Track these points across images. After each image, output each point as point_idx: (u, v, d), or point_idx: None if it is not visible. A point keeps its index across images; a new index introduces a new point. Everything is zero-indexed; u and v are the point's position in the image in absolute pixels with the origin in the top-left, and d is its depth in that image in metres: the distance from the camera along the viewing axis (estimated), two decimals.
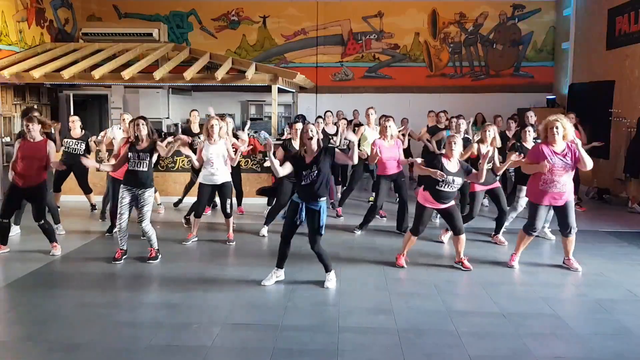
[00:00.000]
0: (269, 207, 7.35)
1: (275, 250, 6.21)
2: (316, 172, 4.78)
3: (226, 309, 4.50)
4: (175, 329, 4.09)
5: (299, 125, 6.84)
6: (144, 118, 5.79)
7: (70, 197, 8.66)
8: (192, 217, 6.72)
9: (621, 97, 9.68)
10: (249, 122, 8.52)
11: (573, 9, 11.62)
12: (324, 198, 4.89)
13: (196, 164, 6.40)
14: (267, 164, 6.11)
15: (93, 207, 8.34)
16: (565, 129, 5.30)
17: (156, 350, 3.75)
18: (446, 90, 12.71)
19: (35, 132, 5.87)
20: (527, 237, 5.66)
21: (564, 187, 5.35)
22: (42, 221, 5.96)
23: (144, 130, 5.67)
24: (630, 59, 9.40)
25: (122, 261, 5.74)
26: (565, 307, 4.67)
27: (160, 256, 5.85)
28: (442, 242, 6.56)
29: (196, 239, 6.59)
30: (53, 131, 7.46)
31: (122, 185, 5.72)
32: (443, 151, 5.92)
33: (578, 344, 3.92)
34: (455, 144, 5.41)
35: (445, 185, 5.35)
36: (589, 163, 5.28)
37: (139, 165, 5.63)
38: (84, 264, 5.67)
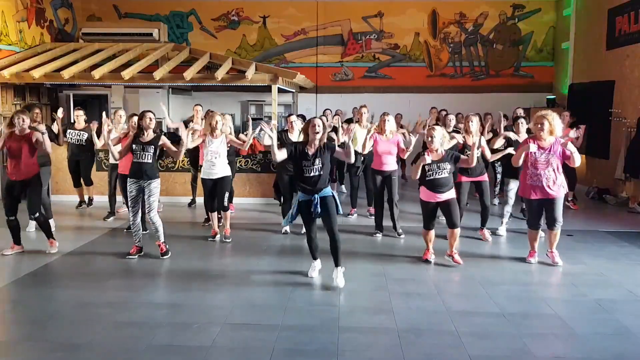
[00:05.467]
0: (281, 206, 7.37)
1: (276, 249, 6.24)
2: (321, 165, 4.89)
3: (226, 309, 4.50)
4: (175, 329, 4.09)
5: (293, 117, 6.97)
6: (150, 112, 5.91)
7: (70, 196, 8.67)
8: (211, 215, 6.79)
9: (621, 97, 9.68)
10: (258, 128, 8.45)
11: (573, 9, 11.62)
12: (329, 186, 5.05)
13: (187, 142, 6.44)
14: (267, 141, 6.27)
15: (90, 201, 8.40)
16: (552, 125, 5.40)
17: (156, 350, 3.75)
18: (446, 90, 12.70)
19: (26, 125, 5.86)
20: (532, 232, 5.76)
21: (550, 181, 5.44)
22: (37, 214, 5.96)
23: (152, 123, 5.79)
24: (630, 59, 9.40)
25: (136, 257, 5.81)
26: (565, 307, 4.66)
27: (169, 248, 5.96)
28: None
29: (219, 236, 6.68)
30: (56, 125, 7.55)
31: (128, 178, 5.82)
32: None
33: (578, 344, 3.92)
34: (434, 137, 5.47)
35: (433, 173, 5.46)
36: (577, 161, 5.41)
37: (143, 157, 5.74)
38: (84, 264, 5.67)
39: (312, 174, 4.90)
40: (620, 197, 9.18)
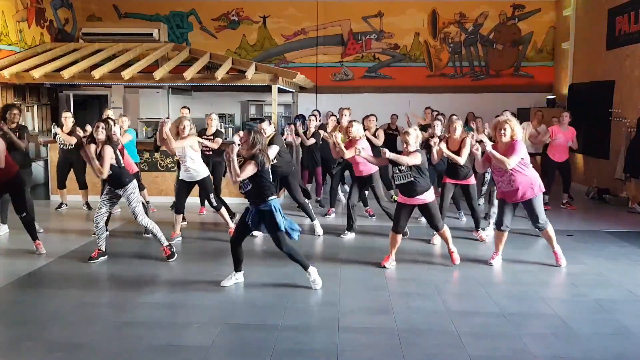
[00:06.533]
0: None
1: (275, 250, 6.23)
2: (247, 181, 4.75)
3: (226, 309, 4.50)
4: (175, 329, 4.09)
5: (265, 124, 6.83)
6: (106, 121, 5.64)
7: (69, 197, 8.67)
8: (176, 217, 6.68)
9: (621, 97, 9.68)
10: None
11: (573, 9, 11.62)
12: (272, 197, 4.80)
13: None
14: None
15: (86, 205, 8.39)
16: (514, 130, 5.37)
17: (156, 350, 3.75)
18: (446, 90, 12.69)
19: None
20: (498, 233, 5.70)
21: (513, 185, 5.37)
22: (24, 214, 5.94)
23: (101, 135, 5.53)
24: (630, 59, 9.40)
25: (99, 261, 5.70)
26: (565, 307, 4.67)
27: (175, 250, 5.85)
28: (434, 244, 6.54)
29: (180, 238, 6.59)
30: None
31: (107, 184, 5.75)
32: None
33: (578, 344, 3.92)
34: (407, 143, 5.38)
35: (397, 177, 5.43)
36: (506, 163, 5.22)
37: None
38: (84, 264, 5.66)
39: (245, 190, 4.82)
40: (620, 197, 9.18)
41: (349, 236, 6.85)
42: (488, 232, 6.89)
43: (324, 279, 5.05)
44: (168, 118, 7.60)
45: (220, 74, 9.32)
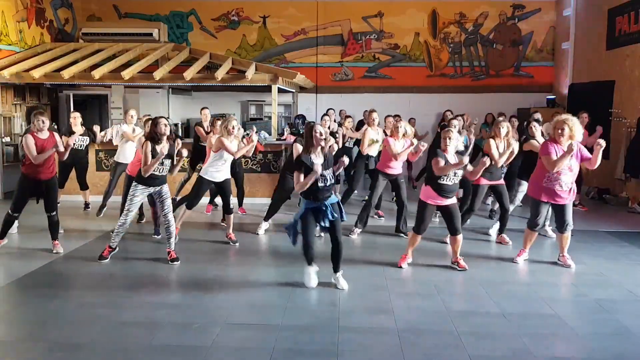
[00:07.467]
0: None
1: (275, 249, 6.24)
2: (330, 174, 4.83)
3: (226, 309, 4.50)
4: (175, 329, 4.09)
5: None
6: (164, 117, 5.70)
7: (69, 197, 8.68)
8: (187, 212, 6.61)
9: (621, 97, 9.68)
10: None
11: (573, 9, 11.62)
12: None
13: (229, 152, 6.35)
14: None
15: (86, 205, 8.38)
16: (572, 129, 5.26)
17: (156, 350, 3.75)
18: (446, 90, 12.70)
19: (47, 126, 5.86)
20: (531, 233, 5.71)
21: (567, 186, 5.37)
22: (54, 212, 6.02)
23: (167, 129, 5.56)
24: (630, 59, 9.40)
25: (109, 260, 5.71)
26: (565, 307, 4.67)
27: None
28: (446, 242, 6.52)
29: (177, 238, 6.53)
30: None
31: (138, 184, 5.65)
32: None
33: (578, 344, 3.92)
34: (450, 139, 5.34)
35: (448, 178, 5.30)
36: (597, 163, 5.30)
37: (162, 171, 5.61)
38: (84, 264, 5.66)
39: (325, 184, 4.80)
40: (621, 197, 9.18)
41: (357, 233, 6.83)
42: (493, 232, 6.90)
43: (324, 279, 5.05)
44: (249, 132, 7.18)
45: (220, 74, 9.33)
